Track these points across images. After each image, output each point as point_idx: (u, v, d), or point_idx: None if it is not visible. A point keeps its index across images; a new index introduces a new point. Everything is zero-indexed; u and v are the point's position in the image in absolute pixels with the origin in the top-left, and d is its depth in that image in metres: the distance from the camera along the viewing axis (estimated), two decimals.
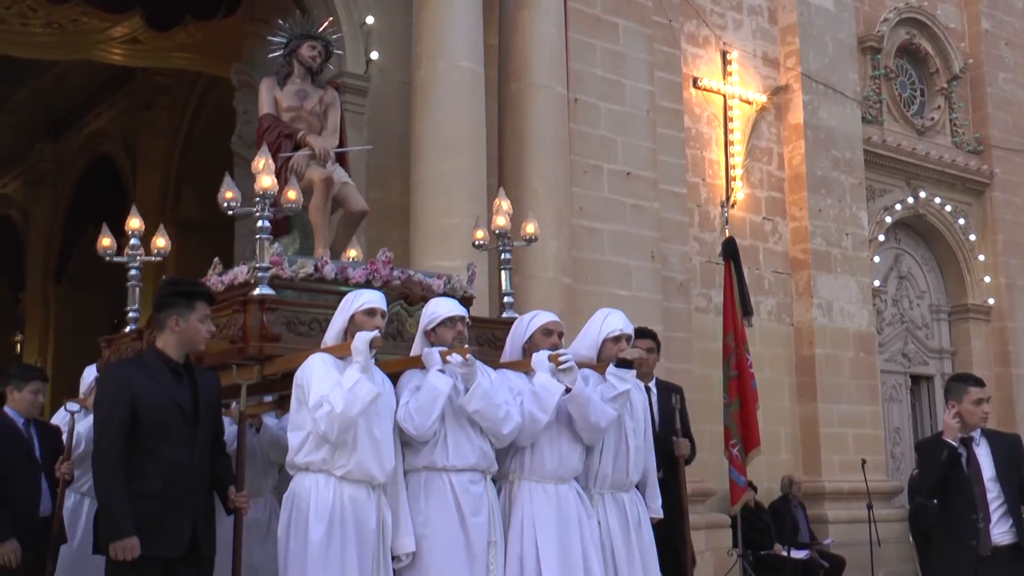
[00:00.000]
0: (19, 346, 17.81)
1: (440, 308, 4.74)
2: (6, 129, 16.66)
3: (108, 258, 5.68)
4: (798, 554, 9.88)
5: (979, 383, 5.40)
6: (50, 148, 16.98)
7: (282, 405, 5.70)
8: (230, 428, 5.59)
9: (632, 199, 9.58)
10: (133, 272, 5.60)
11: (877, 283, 12.57)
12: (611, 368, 4.88)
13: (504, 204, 5.72)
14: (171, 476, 4.14)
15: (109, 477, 4.09)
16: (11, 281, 18.61)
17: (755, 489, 10.08)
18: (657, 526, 5.20)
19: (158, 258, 5.75)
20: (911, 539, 10.13)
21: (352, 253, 5.78)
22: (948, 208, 13.46)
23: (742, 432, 9.13)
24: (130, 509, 4.04)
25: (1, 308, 18.66)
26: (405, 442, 4.56)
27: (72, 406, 5.22)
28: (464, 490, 4.54)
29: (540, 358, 4.75)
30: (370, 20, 8.64)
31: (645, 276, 9.52)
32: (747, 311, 9.56)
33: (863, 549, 10.38)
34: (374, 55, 8.66)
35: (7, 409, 5.48)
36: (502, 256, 5.75)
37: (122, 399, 4.13)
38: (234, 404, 5.47)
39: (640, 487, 5.14)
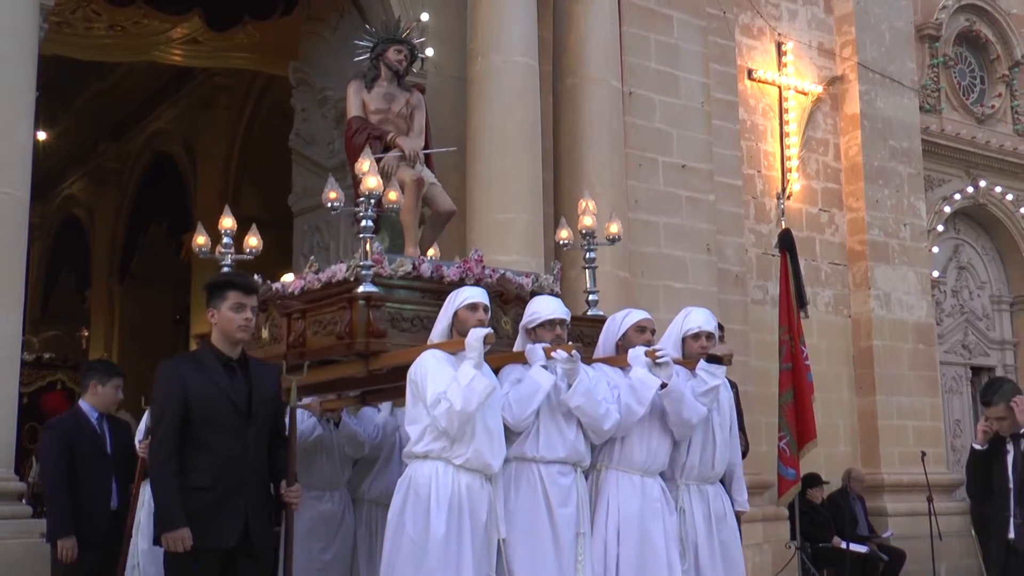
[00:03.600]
0: (85, 342, 18.12)
1: (542, 309, 4.82)
2: (71, 130, 16.96)
3: (202, 255, 5.75)
4: (857, 547, 9.75)
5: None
6: (113, 148, 17.24)
7: (364, 400, 5.80)
8: (309, 421, 5.68)
9: (687, 192, 9.50)
10: (226, 270, 5.63)
11: (936, 274, 12.34)
12: (702, 364, 4.95)
13: (590, 204, 5.75)
14: (223, 469, 4.18)
15: (161, 470, 4.16)
16: (77, 278, 18.94)
17: (821, 483, 9.96)
18: None
19: (250, 256, 5.79)
20: (973, 533, 9.93)
21: (431, 252, 5.83)
22: (1009, 197, 13.19)
23: (797, 425, 9.03)
24: (183, 501, 4.09)
25: (68, 305, 18.99)
26: None
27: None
28: (553, 481, 4.60)
29: (637, 353, 4.81)
30: (425, 17, 8.60)
31: (701, 269, 9.45)
32: (803, 303, 9.44)
33: (923, 542, 10.21)
34: (429, 51, 8.62)
35: (81, 404, 5.58)
36: (586, 255, 5.77)
37: (174, 394, 4.19)
38: (308, 399, 5.56)
39: (725, 480, 5.19)
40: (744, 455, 5.98)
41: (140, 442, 5.30)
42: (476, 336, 4.36)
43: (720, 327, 6.13)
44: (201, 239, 5.77)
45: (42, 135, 14.43)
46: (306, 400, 5.70)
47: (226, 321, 4.32)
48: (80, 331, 18.33)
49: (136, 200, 16.91)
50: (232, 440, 4.22)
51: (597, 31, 8.48)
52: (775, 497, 9.49)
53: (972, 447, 5.32)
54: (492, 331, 4.44)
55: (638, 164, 9.17)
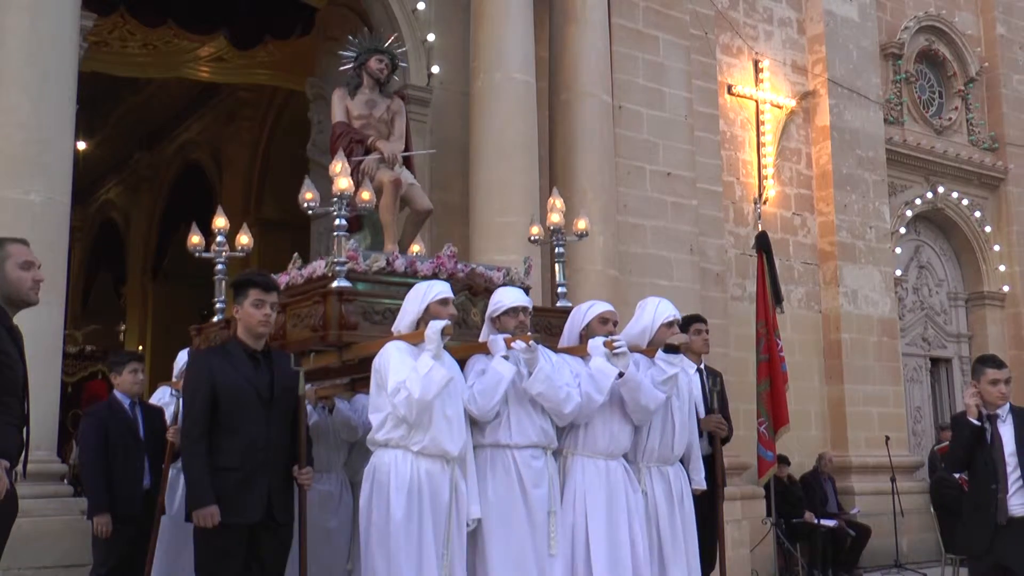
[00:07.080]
0: (122, 335, 18.09)
1: (505, 298, 4.69)
2: (108, 141, 16.92)
3: (197, 254, 5.68)
4: (827, 523, 9.75)
5: (997, 364, 5.20)
6: (146, 157, 17.20)
7: (353, 388, 5.72)
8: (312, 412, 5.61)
9: (672, 197, 9.47)
10: (219, 267, 5.60)
11: (898, 272, 12.34)
12: (660, 353, 4.84)
13: (558, 202, 5.65)
14: (247, 451, 4.16)
15: (192, 452, 4.15)
16: (114, 277, 18.91)
17: (788, 463, 9.95)
18: (699, 497, 5.14)
19: (241, 254, 5.75)
20: (932, 510, 9.90)
21: (415, 248, 5.74)
22: (965, 202, 13.18)
23: (772, 411, 9.04)
24: (212, 481, 4.08)
25: (106, 301, 18.96)
26: (473, 421, 4.53)
27: (175, 392, 5.30)
28: (526, 465, 4.51)
29: (596, 344, 4.69)
30: (431, 37, 8.61)
31: (684, 268, 9.42)
32: (778, 299, 9.45)
33: (887, 519, 10.24)
34: (435, 69, 8.62)
35: (116, 392, 5.56)
36: (556, 250, 5.66)
37: (203, 383, 4.18)
38: (309, 387, 5.49)
39: (684, 461, 5.09)
40: (728, 440, 5.92)
41: (170, 426, 5.26)
42: (434, 328, 4.23)
43: (703, 321, 6.10)
44: (195, 239, 5.67)
45: (82, 145, 14.39)
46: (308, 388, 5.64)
47: (248, 316, 4.30)
48: (118, 325, 18.30)
49: (167, 205, 16.87)
50: (256, 425, 4.19)
51: (589, 50, 8.44)
52: (753, 477, 9.49)
53: (968, 421, 5.06)
54: (450, 323, 4.31)
55: (627, 172, 9.14)
